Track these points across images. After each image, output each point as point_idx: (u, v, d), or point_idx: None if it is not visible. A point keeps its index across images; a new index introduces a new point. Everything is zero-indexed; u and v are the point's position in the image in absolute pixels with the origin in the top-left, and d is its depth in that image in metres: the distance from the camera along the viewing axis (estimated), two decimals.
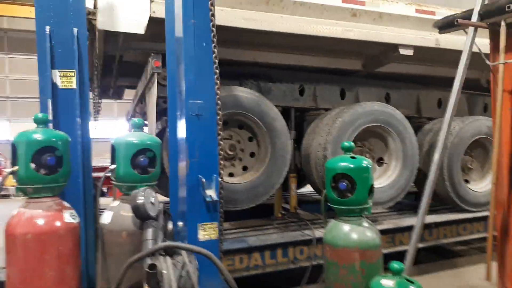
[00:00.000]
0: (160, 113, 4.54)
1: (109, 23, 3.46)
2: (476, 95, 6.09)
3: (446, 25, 3.04)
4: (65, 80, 2.63)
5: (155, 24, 3.57)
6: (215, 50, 2.73)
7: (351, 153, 2.51)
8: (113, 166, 2.21)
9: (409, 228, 4.54)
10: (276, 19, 4.04)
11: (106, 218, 2.15)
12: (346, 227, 2.40)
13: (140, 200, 1.92)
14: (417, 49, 4.67)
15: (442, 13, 4.76)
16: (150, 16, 3.51)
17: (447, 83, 5.92)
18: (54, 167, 2.14)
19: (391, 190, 4.48)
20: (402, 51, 4.62)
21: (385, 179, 4.55)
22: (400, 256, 4.90)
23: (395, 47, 4.61)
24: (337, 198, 2.45)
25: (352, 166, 2.41)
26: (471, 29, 2.70)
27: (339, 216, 2.52)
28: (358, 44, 4.48)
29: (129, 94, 6.21)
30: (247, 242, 3.84)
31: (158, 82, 3.68)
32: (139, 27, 3.56)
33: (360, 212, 2.47)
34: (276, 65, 4.71)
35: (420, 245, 4.67)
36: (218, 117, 2.74)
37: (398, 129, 4.51)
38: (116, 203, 2.21)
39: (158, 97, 3.78)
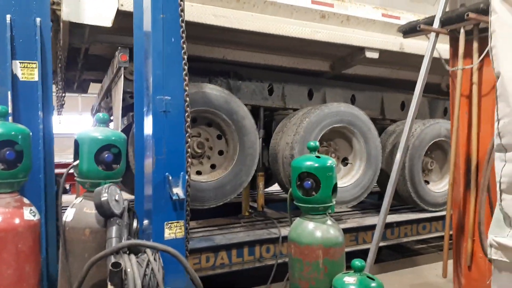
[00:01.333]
0: (127, 108, 4.44)
1: (75, 15, 3.35)
2: (437, 99, 6.34)
3: (410, 30, 3.15)
4: (26, 71, 2.52)
5: (123, 17, 3.49)
6: (184, 46, 2.70)
7: (316, 153, 2.56)
8: (76, 162, 2.15)
9: (372, 227, 4.68)
10: (246, 17, 4.04)
11: (68, 215, 2.08)
12: (310, 225, 2.44)
13: (104, 197, 1.87)
14: (383, 52, 4.81)
15: (407, 17, 4.92)
16: (117, 9, 3.42)
17: (410, 86, 6.16)
18: (13, 162, 2.04)
19: (355, 189, 4.60)
20: (368, 54, 4.75)
21: (349, 179, 4.66)
22: (364, 254, 5.03)
23: (361, 49, 4.73)
24: (302, 196, 2.49)
25: (316, 165, 2.45)
26: (432, 35, 2.82)
27: (304, 214, 2.56)
28: (326, 45, 4.56)
29: (94, 88, 6.04)
30: (213, 240, 3.83)
31: (124, 76, 3.61)
32: (106, 19, 3.47)
33: (324, 210, 2.52)
34: (245, 63, 4.72)
35: (382, 244, 4.82)
36: (186, 114, 2.72)
37: (363, 130, 4.63)
38: (79, 200, 2.14)
39: (124, 92, 3.70)
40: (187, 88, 2.70)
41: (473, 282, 2.73)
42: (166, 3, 2.63)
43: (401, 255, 5.67)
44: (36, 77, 2.53)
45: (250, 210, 4.85)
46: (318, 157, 2.49)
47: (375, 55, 4.79)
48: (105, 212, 1.89)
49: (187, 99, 2.71)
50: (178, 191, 2.61)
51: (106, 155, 2.10)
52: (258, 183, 4.77)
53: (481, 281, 2.64)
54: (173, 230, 2.64)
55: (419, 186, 5.07)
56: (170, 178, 2.61)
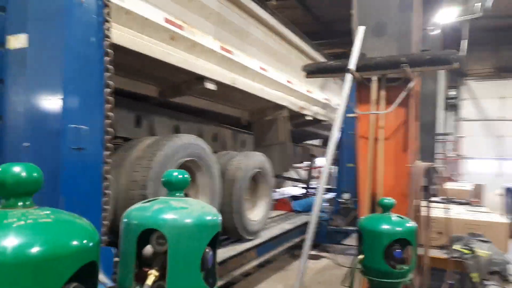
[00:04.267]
0: None
1: None
2: (238, 131, 6.76)
3: (318, 71, 3.23)
4: None
5: None
6: (109, 50, 1.84)
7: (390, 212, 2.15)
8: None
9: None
10: None
11: None
12: None
13: None
14: (218, 84, 4.75)
15: (237, 54, 5.07)
16: None
17: (221, 118, 6.35)
18: None
19: None
20: (208, 85, 4.59)
21: None
22: None
23: (201, 79, 4.52)
24: (390, 270, 1.99)
25: (411, 228, 2.04)
26: (348, 78, 2.97)
27: None
28: (167, 69, 4.12)
29: None
30: None
31: None
32: None
33: (403, 284, 2.11)
34: None
35: (220, 283, 4.63)
36: (107, 153, 1.83)
37: (208, 163, 4.38)
38: None
39: None
40: (110, 113, 1.82)
41: None
42: None
43: None
44: None
45: None
46: (400, 217, 2.09)
47: (213, 86, 4.68)
48: None
49: (110, 130, 1.83)
50: None
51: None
52: None
53: None
54: None
55: (243, 217, 5.19)
56: None
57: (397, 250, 2.08)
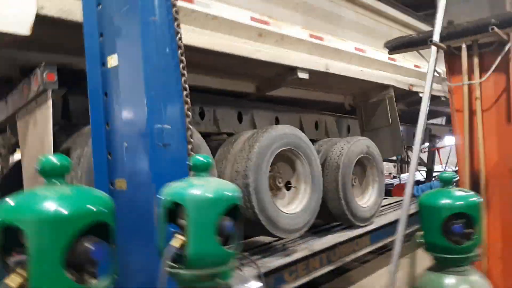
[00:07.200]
0: None
1: None
2: (342, 117, 6.68)
3: (402, 46, 3.11)
4: None
5: (40, 26, 2.60)
6: (183, 58, 2.08)
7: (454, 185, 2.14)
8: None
9: (322, 251, 4.53)
10: (188, 32, 3.51)
11: None
12: (463, 283, 1.96)
13: None
14: (311, 73, 4.79)
15: (328, 39, 5.04)
16: (36, 13, 2.53)
17: (321, 106, 6.37)
18: None
19: (305, 214, 4.37)
20: (301, 75, 4.66)
21: (298, 204, 4.42)
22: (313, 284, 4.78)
23: (293, 70, 4.62)
24: (449, 245, 1.99)
25: (472, 202, 2.00)
26: (434, 50, 2.79)
27: (443, 267, 2.04)
28: (260, 65, 4.31)
29: None
30: None
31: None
32: (22, 25, 2.53)
33: (470, 260, 2.07)
34: None
35: (330, 267, 4.68)
36: (190, 147, 2.08)
37: (306, 151, 4.47)
38: None
39: None
40: (189, 112, 2.07)
41: None
42: (158, 2, 1.99)
43: (334, 275, 5.63)
44: None
45: None
46: (464, 191, 2.08)
47: (306, 76, 4.74)
48: None
49: (190, 127, 2.08)
50: None
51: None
52: None
53: None
54: None
55: (351, 203, 5.14)
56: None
57: (456, 225, 1.96)
